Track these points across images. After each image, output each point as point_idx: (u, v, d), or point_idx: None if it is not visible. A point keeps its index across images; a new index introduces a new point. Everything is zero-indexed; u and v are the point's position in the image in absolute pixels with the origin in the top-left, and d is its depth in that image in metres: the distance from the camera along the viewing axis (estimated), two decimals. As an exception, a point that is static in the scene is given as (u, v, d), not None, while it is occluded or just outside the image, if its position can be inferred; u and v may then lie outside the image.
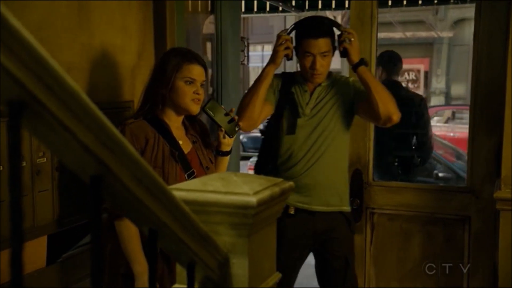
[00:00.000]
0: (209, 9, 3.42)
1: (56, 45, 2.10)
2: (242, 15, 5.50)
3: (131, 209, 0.69)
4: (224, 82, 3.39)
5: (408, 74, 15.02)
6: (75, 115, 0.53)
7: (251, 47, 5.16)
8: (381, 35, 2.24)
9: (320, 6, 5.65)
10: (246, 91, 2.34)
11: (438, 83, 15.91)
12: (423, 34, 15.41)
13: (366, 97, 2.21)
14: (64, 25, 2.14)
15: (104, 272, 1.88)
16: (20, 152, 0.52)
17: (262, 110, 2.28)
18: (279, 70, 2.39)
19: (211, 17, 3.41)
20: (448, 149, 6.48)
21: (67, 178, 2.09)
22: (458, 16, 14.95)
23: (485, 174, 2.62)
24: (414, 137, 3.62)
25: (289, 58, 2.26)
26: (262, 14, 6.15)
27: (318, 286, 2.47)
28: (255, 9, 5.79)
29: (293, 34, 2.28)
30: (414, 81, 15.01)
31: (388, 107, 2.17)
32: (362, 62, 2.19)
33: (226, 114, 2.04)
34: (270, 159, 2.34)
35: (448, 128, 10.36)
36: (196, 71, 1.94)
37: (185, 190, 0.99)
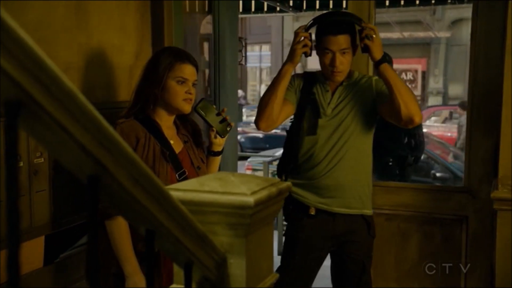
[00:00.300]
0: (207, 9, 3.42)
1: (53, 45, 2.10)
2: (240, 15, 5.51)
3: (128, 209, 0.69)
4: (222, 83, 3.39)
5: (406, 74, 15.05)
6: (72, 115, 0.53)
7: (248, 47, 5.13)
8: (379, 35, 2.17)
9: (317, 7, 5.65)
10: (265, 91, 2.30)
11: (436, 83, 15.94)
12: (420, 34, 15.44)
13: (388, 98, 2.14)
14: (62, 25, 2.14)
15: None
16: (17, 152, 0.52)
17: (281, 110, 2.23)
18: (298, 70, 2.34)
19: (209, 17, 3.41)
20: (446, 149, 6.50)
21: (64, 178, 2.09)
22: (456, 16, 14.98)
23: (482, 174, 2.63)
24: (406, 137, 3.62)
25: (307, 55, 2.19)
26: (259, 14, 6.16)
27: (328, 286, 2.46)
28: (253, 9, 5.80)
29: (313, 30, 2.22)
30: (412, 81, 15.03)
31: (410, 108, 2.08)
32: (385, 59, 2.11)
33: (218, 114, 2.03)
34: (292, 159, 2.30)
35: (446, 128, 10.39)
36: (188, 71, 1.93)
37: (182, 190, 0.99)
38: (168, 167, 1.88)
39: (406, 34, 14.66)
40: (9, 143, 0.50)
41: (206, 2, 3.40)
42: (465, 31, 13.33)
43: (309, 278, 2.35)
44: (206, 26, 3.43)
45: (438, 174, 5.40)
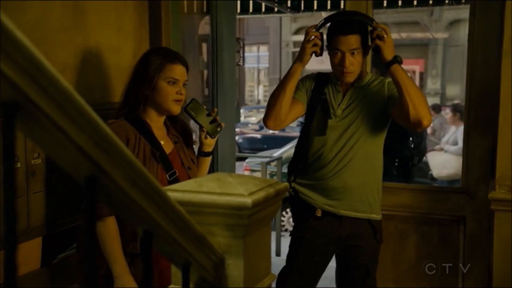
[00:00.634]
0: (205, 10, 3.43)
1: (51, 45, 2.09)
2: (238, 16, 5.51)
3: (126, 210, 0.69)
4: (220, 83, 3.39)
5: (404, 75, 15.04)
6: (69, 116, 0.53)
7: (246, 48, 5.16)
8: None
9: (315, 7, 5.66)
10: (274, 90, 2.28)
11: (433, 84, 15.97)
12: (418, 35, 15.47)
13: (398, 100, 2.09)
14: (59, 25, 2.14)
15: (83, 274, 1.87)
16: (15, 153, 0.52)
17: (291, 110, 2.22)
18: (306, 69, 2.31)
19: (207, 18, 3.41)
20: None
21: (62, 179, 2.08)
22: (453, 17, 15.02)
23: (480, 175, 2.64)
24: (412, 138, 3.63)
25: (317, 55, 2.17)
26: (257, 15, 6.16)
27: (331, 287, 2.46)
28: (251, 10, 5.79)
29: (325, 30, 2.19)
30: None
31: (419, 110, 2.02)
32: (396, 60, 2.05)
33: (208, 115, 2.03)
34: (302, 159, 2.29)
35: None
36: (178, 71, 1.92)
37: (180, 191, 0.99)
38: (158, 168, 1.88)
39: (403, 35, 14.69)
40: (5, 144, 0.50)
41: (204, 2, 3.40)
42: (463, 32, 13.36)
43: (313, 278, 2.34)
44: (204, 26, 3.43)
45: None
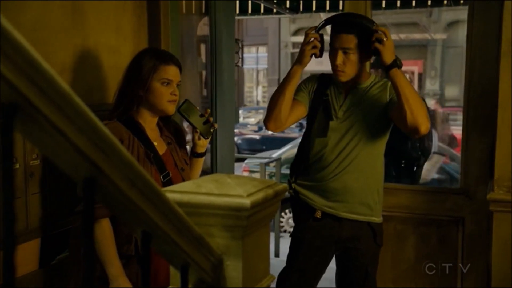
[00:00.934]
0: (203, 10, 3.43)
1: (50, 46, 2.09)
2: (237, 17, 5.52)
3: (125, 211, 0.69)
4: (219, 84, 3.39)
5: (402, 76, 15.05)
6: (68, 117, 0.53)
7: (245, 49, 5.16)
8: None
9: (314, 8, 5.66)
10: (274, 91, 2.27)
11: (432, 85, 15.98)
12: (417, 36, 15.47)
13: (397, 104, 2.08)
14: (58, 26, 2.14)
15: (78, 277, 1.87)
16: (13, 154, 0.52)
17: (292, 112, 2.21)
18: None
19: (205, 19, 3.41)
20: (442, 151, 6.50)
21: (60, 179, 2.08)
22: (452, 18, 15.03)
23: (478, 176, 2.64)
24: (419, 139, 3.62)
25: (317, 56, 2.16)
26: (256, 16, 6.16)
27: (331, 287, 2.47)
28: (250, 11, 5.80)
29: (324, 31, 2.18)
30: (408, 83, 15.04)
31: (416, 117, 2.00)
32: (395, 64, 2.02)
33: (201, 116, 2.03)
34: (303, 159, 2.29)
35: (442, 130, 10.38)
36: (172, 72, 1.92)
37: (179, 192, 0.99)
38: (152, 169, 1.88)
39: (402, 36, 14.70)
40: (5, 145, 0.50)
41: (203, 3, 3.40)
42: (461, 33, 13.37)
43: (313, 279, 2.34)
44: (203, 27, 3.43)
45: (434, 176, 5.41)
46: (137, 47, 2.61)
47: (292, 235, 2.38)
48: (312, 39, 2.12)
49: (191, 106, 2.02)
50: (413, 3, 5.54)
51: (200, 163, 2.15)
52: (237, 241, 0.99)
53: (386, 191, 2.40)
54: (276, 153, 6.97)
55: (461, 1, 5.43)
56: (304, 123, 2.43)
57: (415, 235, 2.79)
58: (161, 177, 1.89)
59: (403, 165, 3.60)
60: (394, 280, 2.82)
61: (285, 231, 5.88)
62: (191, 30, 3.35)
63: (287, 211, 6.02)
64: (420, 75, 16.00)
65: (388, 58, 2.02)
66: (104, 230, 1.80)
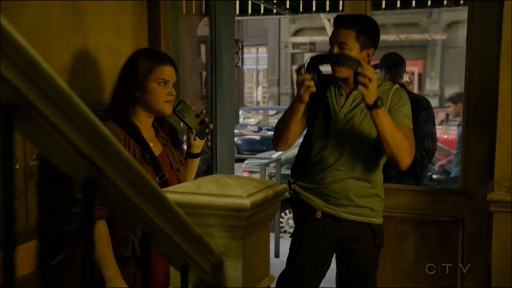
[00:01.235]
0: (203, 11, 3.43)
1: (50, 46, 2.09)
2: (237, 18, 5.51)
3: (124, 211, 0.69)
4: (219, 84, 3.39)
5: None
6: (68, 117, 0.53)
7: (245, 50, 5.16)
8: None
9: (314, 9, 5.66)
10: (279, 120, 2.28)
11: (432, 86, 15.98)
12: (417, 36, 15.48)
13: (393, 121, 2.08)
14: (58, 26, 2.14)
15: (74, 279, 1.86)
16: (13, 154, 0.52)
17: (296, 132, 2.24)
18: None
19: (206, 19, 3.41)
20: (442, 151, 6.50)
21: (62, 180, 2.08)
22: (452, 18, 15.04)
23: (478, 176, 2.64)
24: (424, 140, 3.62)
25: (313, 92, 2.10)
26: (256, 17, 6.16)
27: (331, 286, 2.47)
28: (250, 12, 5.80)
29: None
30: (408, 83, 15.04)
31: (396, 157, 2.06)
32: (376, 105, 1.99)
33: (197, 116, 2.03)
34: (304, 160, 2.28)
35: (442, 130, 10.40)
36: (168, 72, 1.93)
37: (178, 192, 0.99)
38: (148, 170, 1.87)
39: (402, 36, 14.71)
40: (4, 145, 0.50)
41: (203, 3, 3.40)
42: (461, 33, 13.38)
43: (313, 280, 2.33)
44: (203, 28, 3.43)
45: (434, 176, 5.41)
46: (137, 48, 2.60)
47: (292, 235, 2.38)
48: (303, 80, 2.04)
49: (186, 107, 2.02)
50: (413, 3, 5.54)
51: (195, 164, 2.15)
52: (237, 242, 0.99)
53: (386, 192, 2.40)
54: (276, 154, 6.96)
55: (461, 2, 5.43)
56: None
57: (415, 235, 2.79)
58: (157, 178, 1.89)
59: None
60: (394, 280, 2.82)
61: (285, 231, 5.88)
62: (191, 30, 3.35)
63: (287, 211, 6.02)
64: (420, 75, 16.01)
65: (370, 100, 1.98)
66: (100, 232, 1.79)
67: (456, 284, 2.69)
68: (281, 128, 2.22)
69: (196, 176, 2.14)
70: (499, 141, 2.27)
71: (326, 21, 15.05)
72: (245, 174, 6.42)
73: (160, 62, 1.91)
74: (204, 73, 3.49)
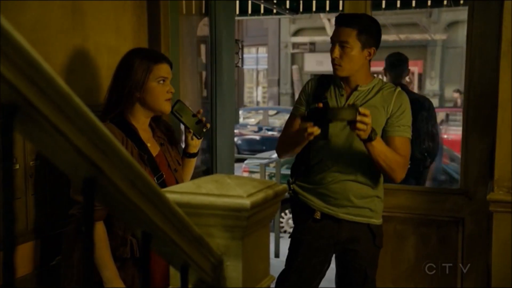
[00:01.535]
0: (203, 11, 3.43)
1: (50, 46, 2.09)
2: (237, 18, 5.51)
3: (124, 211, 0.69)
4: (219, 84, 3.39)
5: (402, 77, 15.05)
6: (68, 117, 0.53)
7: (245, 50, 5.16)
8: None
9: (314, 9, 5.66)
10: (281, 135, 2.36)
11: (432, 86, 15.99)
12: (416, 36, 15.48)
13: (390, 135, 2.16)
14: (58, 26, 2.14)
15: (71, 280, 1.86)
16: (13, 154, 0.52)
17: (301, 147, 2.26)
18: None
19: (206, 19, 3.41)
20: (442, 151, 6.49)
21: (62, 180, 2.08)
22: (452, 18, 15.05)
23: (478, 176, 2.64)
24: (426, 141, 3.61)
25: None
26: (256, 17, 6.16)
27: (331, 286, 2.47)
28: (250, 12, 5.79)
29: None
30: (408, 83, 15.04)
31: (389, 175, 2.16)
32: (370, 138, 2.01)
33: (194, 115, 2.03)
34: (304, 161, 2.28)
35: (442, 130, 10.40)
36: (166, 69, 1.93)
37: (179, 192, 0.99)
38: (146, 171, 1.87)
39: (402, 36, 14.71)
40: (4, 145, 0.50)
41: (203, 3, 3.40)
42: (461, 33, 13.39)
43: (312, 280, 2.33)
44: (203, 28, 3.43)
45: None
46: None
47: (291, 236, 2.38)
48: (306, 127, 1.99)
49: (183, 107, 2.02)
50: (413, 3, 5.55)
51: (192, 164, 2.15)
52: (237, 242, 0.99)
53: (386, 192, 2.40)
54: (275, 154, 6.96)
55: (461, 2, 5.43)
56: None
57: (415, 235, 2.79)
58: (154, 178, 1.89)
59: (409, 166, 3.59)
60: (394, 280, 2.82)
61: (285, 231, 5.88)
62: (191, 30, 3.35)
63: (287, 211, 6.02)
64: (420, 75, 16.01)
65: (365, 136, 1.99)
66: (98, 233, 1.79)
67: (456, 284, 2.69)
68: (286, 148, 2.30)
69: (196, 176, 2.13)
70: (499, 141, 2.27)
71: (326, 21, 15.05)
72: (245, 174, 6.42)
73: (157, 61, 1.92)
74: (204, 73, 3.49)
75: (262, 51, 19.53)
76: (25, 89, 0.49)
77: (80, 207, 1.78)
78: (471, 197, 2.67)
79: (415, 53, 15.43)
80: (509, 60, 2.24)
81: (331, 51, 2.16)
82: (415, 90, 15.04)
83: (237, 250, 0.99)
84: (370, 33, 2.14)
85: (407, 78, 3.87)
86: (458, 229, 2.70)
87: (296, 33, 17.96)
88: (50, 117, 0.52)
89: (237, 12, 5.38)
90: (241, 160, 7.27)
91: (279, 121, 13.74)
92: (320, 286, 2.39)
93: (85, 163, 0.58)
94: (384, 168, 2.12)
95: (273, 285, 1.79)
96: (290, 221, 5.98)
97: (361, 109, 1.93)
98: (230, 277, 1.00)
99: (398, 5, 5.29)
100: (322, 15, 13.96)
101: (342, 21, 2.14)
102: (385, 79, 3.38)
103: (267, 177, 5.54)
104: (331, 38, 2.17)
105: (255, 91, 20.77)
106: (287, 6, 5.68)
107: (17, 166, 1.93)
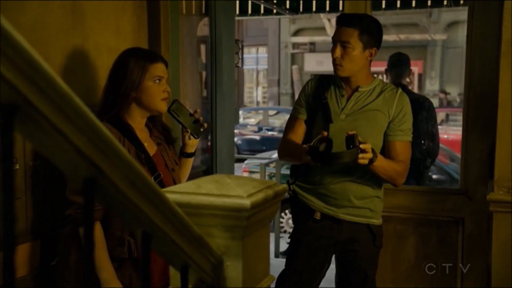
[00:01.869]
0: (203, 11, 3.43)
1: (49, 46, 2.09)
2: (237, 18, 5.51)
3: (124, 211, 0.69)
4: (219, 85, 3.39)
5: (402, 77, 15.05)
6: (68, 117, 0.53)
7: (245, 50, 5.16)
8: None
9: (314, 9, 5.66)
10: (284, 140, 2.34)
11: (432, 86, 15.99)
12: (417, 36, 15.49)
13: (391, 139, 2.20)
14: (58, 26, 2.14)
15: (69, 281, 1.86)
16: (13, 154, 0.52)
17: (299, 133, 2.31)
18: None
19: (206, 19, 3.41)
20: (442, 151, 6.50)
21: (62, 180, 2.08)
22: (452, 18, 15.05)
23: (478, 176, 2.64)
24: (425, 141, 3.61)
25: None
26: (256, 17, 6.16)
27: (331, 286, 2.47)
28: (249, 12, 5.80)
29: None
30: (408, 83, 15.04)
31: (391, 182, 2.22)
32: (371, 162, 2.04)
33: (191, 115, 2.02)
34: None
35: (442, 130, 10.41)
36: (161, 69, 1.93)
37: (179, 192, 0.99)
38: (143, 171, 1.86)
39: (402, 36, 14.70)
40: (4, 145, 0.50)
41: (203, 3, 3.40)
42: (461, 33, 13.40)
43: (312, 280, 2.33)
44: (203, 28, 3.43)
45: (434, 176, 5.41)
46: (137, 48, 2.61)
47: (291, 236, 2.38)
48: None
49: (180, 106, 2.02)
50: (413, 3, 5.55)
51: (190, 164, 2.15)
52: (237, 242, 0.99)
53: (386, 192, 2.40)
54: (276, 154, 6.96)
55: (461, 2, 5.43)
56: None
57: (415, 235, 2.79)
58: (152, 178, 1.89)
59: (409, 167, 3.58)
60: (394, 280, 2.82)
61: (285, 231, 5.88)
62: (191, 30, 3.35)
63: (287, 211, 6.02)
64: (420, 75, 16.02)
65: (367, 163, 2.03)
66: (95, 233, 1.78)
67: (456, 284, 2.69)
68: (288, 158, 2.41)
69: (196, 176, 2.13)
70: (499, 141, 2.27)
71: (326, 21, 15.06)
72: (245, 174, 6.42)
73: (152, 61, 1.92)
74: (204, 73, 3.49)
75: (262, 51, 19.53)
76: (25, 89, 0.49)
77: (77, 208, 1.77)
78: (471, 197, 2.67)
79: (415, 53, 15.43)
80: (509, 60, 2.24)
81: (332, 51, 2.15)
82: (415, 90, 15.04)
83: (237, 250, 0.99)
84: (372, 34, 2.14)
85: (407, 79, 3.87)
86: (458, 229, 2.70)
87: (296, 33, 17.96)
88: (50, 117, 0.52)
89: (237, 12, 5.38)
90: (241, 160, 7.27)
91: (279, 121, 13.74)
92: (320, 286, 2.39)
93: (85, 163, 0.58)
94: (384, 179, 2.19)
95: (273, 285, 1.79)
96: (290, 221, 5.98)
97: (362, 146, 1.96)
98: (230, 277, 1.00)
99: (398, 5, 5.29)
100: (322, 15, 13.96)
101: (344, 21, 2.14)
102: (385, 79, 3.37)
103: (267, 177, 5.54)
104: (332, 38, 2.17)
105: (255, 91, 20.78)
106: (287, 6, 5.68)
107: (17, 166, 1.93)
